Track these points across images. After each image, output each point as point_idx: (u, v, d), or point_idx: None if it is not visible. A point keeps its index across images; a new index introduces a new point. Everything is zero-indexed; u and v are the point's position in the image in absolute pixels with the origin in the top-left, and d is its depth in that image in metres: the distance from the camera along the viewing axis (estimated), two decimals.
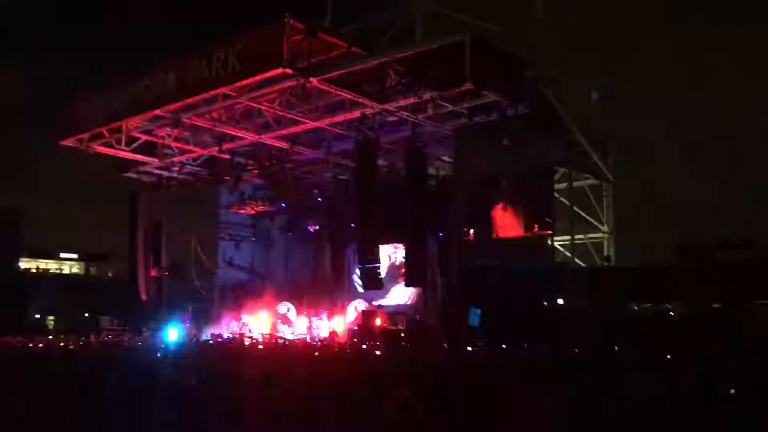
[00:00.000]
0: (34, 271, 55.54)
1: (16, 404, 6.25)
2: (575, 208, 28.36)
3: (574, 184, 28.41)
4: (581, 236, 29.12)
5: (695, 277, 21.68)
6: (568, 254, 28.75)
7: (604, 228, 29.73)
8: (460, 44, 17.75)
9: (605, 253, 29.31)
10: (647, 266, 24.89)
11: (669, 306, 24.05)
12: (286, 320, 32.33)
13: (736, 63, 24.71)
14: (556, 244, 28.20)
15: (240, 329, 31.08)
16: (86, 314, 42.43)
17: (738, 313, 19.91)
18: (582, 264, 28.70)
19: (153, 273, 32.75)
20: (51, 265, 60.38)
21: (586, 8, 25.49)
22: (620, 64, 26.04)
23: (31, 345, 19.68)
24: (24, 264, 55.55)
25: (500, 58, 19.43)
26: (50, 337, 24.18)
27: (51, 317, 45.25)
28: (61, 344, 18.59)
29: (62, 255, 62.32)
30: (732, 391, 7.52)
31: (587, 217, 29.60)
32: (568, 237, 28.12)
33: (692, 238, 24.84)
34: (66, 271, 61.84)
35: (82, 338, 23.22)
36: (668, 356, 11.60)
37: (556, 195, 27.69)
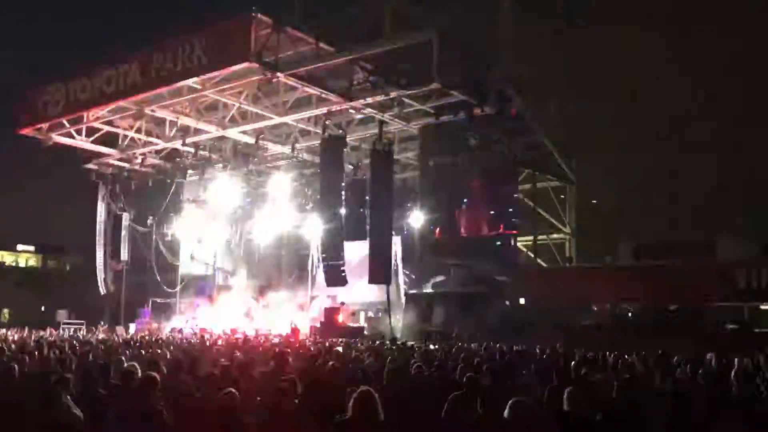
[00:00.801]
0: None
1: None
2: (538, 209, 28.70)
3: (538, 185, 28.75)
4: (544, 237, 29.49)
5: (651, 278, 22.18)
6: (530, 254, 29.09)
7: (566, 229, 30.14)
8: (427, 43, 17.82)
9: (567, 254, 29.72)
10: (606, 267, 25.35)
11: (627, 307, 24.56)
12: (248, 316, 32.09)
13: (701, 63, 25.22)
14: (519, 244, 28.54)
15: (194, 325, 30.77)
16: (43, 308, 41.56)
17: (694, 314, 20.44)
18: (544, 264, 29.07)
19: (113, 266, 32.22)
20: (7, 257, 58.93)
21: (553, 8, 25.77)
22: (585, 64, 26.39)
23: None
24: None
25: (468, 58, 19.56)
26: (2, 330, 23.56)
27: (6, 310, 44.23)
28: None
29: (19, 247, 60.89)
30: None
31: (550, 218, 29.97)
32: (531, 237, 28.46)
33: (650, 241, 25.41)
34: (22, 263, 60.41)
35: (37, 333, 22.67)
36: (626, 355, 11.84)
37: (520, 196, 28.04)
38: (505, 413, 5.28)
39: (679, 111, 25.63)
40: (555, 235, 30.36)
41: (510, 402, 5.35)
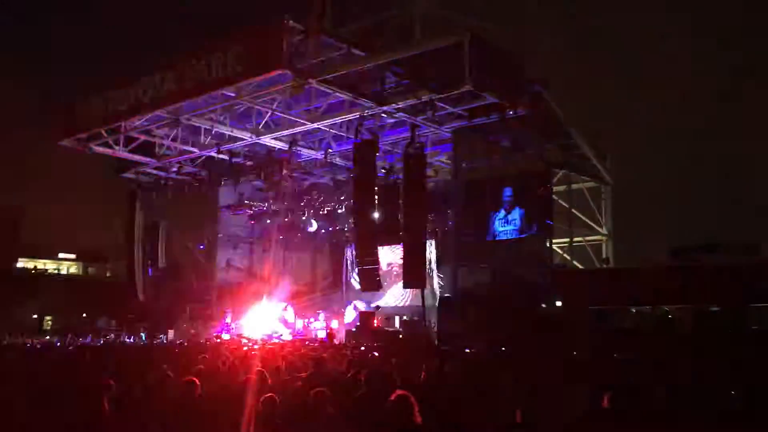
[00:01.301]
0: (32, 270, 55.48)
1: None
2: (574, 210, 28.38)
3: (573, 186, 28.44)
4: (580, 239, 29.14)
5: (692, 279, 21.71)
6: (566, 257, 28.76)
7: (603, 230, 29.73)
8: (459, 45, 17.75)
9: (604, 255, 29.31)
10: (645, 268, 24.91)
11: (666, 309, 24.07)
12: (283, 321, 32.32)
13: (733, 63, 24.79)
14: (554, 246, 28.22)
15: (231, 330, 31.12)
16: (84, 314, 42.42)
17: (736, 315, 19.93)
18: (580, 266, 28.70)
19: (150, 273, 32.75)
20: (49, 264, 60.34)
21: (585, 9, 25.54)
22: (617, 63, 26.09)
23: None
24: (22, 263, 55.51)
25: (499, 59, 19.42)
26: (47, 337, 24.13)
27: (48, 317, 45.23)
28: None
29: (60, 255, 62.31)
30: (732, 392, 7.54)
31: (586, 220, 29.61)
32: (567, 239, 28.13)
33: (689, 240, 24.90)
34: (64, 271, 61.80)
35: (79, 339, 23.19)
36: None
37: (555, 197, 27.74)
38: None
39: (716, 109, 25.18)
40: (591, 237, 29.99)
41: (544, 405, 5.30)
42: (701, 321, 21.50)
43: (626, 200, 28.92)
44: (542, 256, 26.57)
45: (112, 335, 27.20)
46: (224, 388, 7.58)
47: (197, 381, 6.88)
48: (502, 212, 25.64)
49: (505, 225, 25.79)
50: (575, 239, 28.43)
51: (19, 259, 54.83)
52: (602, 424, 5.72)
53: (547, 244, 26.57)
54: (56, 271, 60.08)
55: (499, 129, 23.90)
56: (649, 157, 27.02)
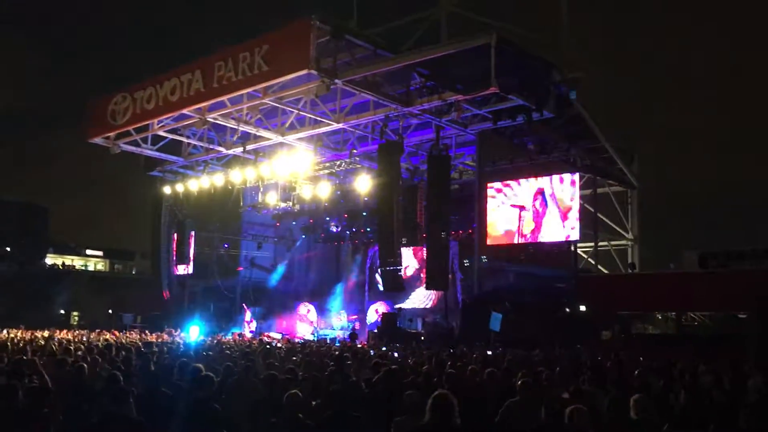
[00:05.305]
0: (59, 266, 56.38)
1: None
2: (599, 214, 28.13)
3: (599, 190, 28.19)
4: (605, 243, 28.86)
5: (719, 285, 21.41)
6: (591, 261, 28.51)
7: (629, 235, 29.43)
8: (485, 47, 17.66)
9: (629, 260, 29.00)
10: (672, 274, 24.62)
11: (693, 315, 23.77)
12: (306, 321, 32.48)
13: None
14: (579, 250, 27.99)
15: (255, 330, 31.34)
16: (110, 310, 42.99)
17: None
18: (605, 271, 28.44)
19: (175, 271, 33.10)
20: (76, 261, 61.28)
21: (611, 9, 25.27)
22: (646, 65, 25.77)
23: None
24: (50, 260, 56.41)
25: (526, 61, 19.28)
26: (76, 332, 24.44)
27: (75, 313, 45.91)
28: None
29: (87, 252, 63.24)
30: None
31: (611, 224, 29.33)
32: (592, 244, 27.89)
33: (717, 246, 24.54)
34: (91, 267, 62.71)
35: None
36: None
37: (580, 201, 27.52)
38: (565, 419, 5.19)
39: (744, 115, 24.78)
40: (616, 242, 29.69)
41: (569, 409, 5.26)
42: (729, 328, 21.22)
43: (653, 205, 28.61)
44: (567, 260, 26.39)
45: (137, 332, 27.45)
46: None
47: None
48: (526, 214, 25.49)
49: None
50: (600, 244, 28.17)
51: (48, 256, 55.70)
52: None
53: (572, 248, 26.39)
54: (83, 268, 60.99)
55: (525, 131, 23.77)
56: (677, 161, 26.69)
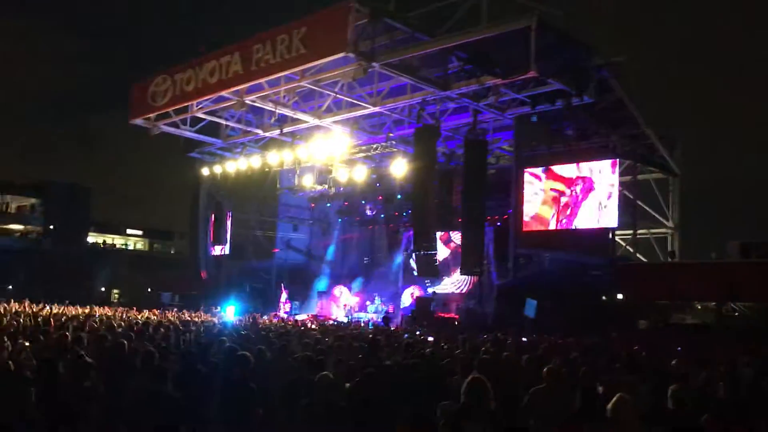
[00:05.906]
0: (101, 245, 57.63)
1: None
2: (639, 202, 27.65)
3: (639, 177, 27.69)
4: (644, 231, 28.37)
5: (762, 276, 20.93)
6: (629, 249, 28.08)
7: (669, 223, 28.86)
8: (525, 30, 17.39)
9: (669, 249, 28.48)
10: (713, 263, 24.14)
11: (734, 305, 23.30)
12: (340, 303, 32.68)
13: None
14: (617, 238, 27.57)
15: (289, 311, 31.66)
16: (149, 289, 43.88)
17: None
18: (644, 259, 27.98)
19: (212, 252, 33.58)
20: (117, 240, 62.55)
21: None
22: (689, 48, 25.09)
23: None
24: (91, 238, 57.69)
25: (567, 45, 18.94)
26: (118, 309, 24.99)
27: (116, 290, 46.98)
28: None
29: (128, 231, 64.49)
30: None
31: (651, 212, 28.80)
32: (630, 231, 27.45)
33: (760, 236, 23.96)
34: (131, 246, 63.98)
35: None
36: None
37: (619, 188, 27.08)
38: (608, 409, 5.08)
39: None
40: (656, 230, 29.17)
41: (615, 398, 5.16)
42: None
43: (695, 193, 27.99)
44: (605, 248, 26.05)
45: (175, 311, 27.95)
46: None
47: None
48: (564, 201, 25.19)
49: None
50: (639, 231, 27.70)
51: (89, 234, 56.97)
52: (661, 423, 5.56)
53: (610, 236, 26.03)
54: (124, 247, 62.23)
55: (564, 116, 23.40)
56: (720, 148, 26.03)
